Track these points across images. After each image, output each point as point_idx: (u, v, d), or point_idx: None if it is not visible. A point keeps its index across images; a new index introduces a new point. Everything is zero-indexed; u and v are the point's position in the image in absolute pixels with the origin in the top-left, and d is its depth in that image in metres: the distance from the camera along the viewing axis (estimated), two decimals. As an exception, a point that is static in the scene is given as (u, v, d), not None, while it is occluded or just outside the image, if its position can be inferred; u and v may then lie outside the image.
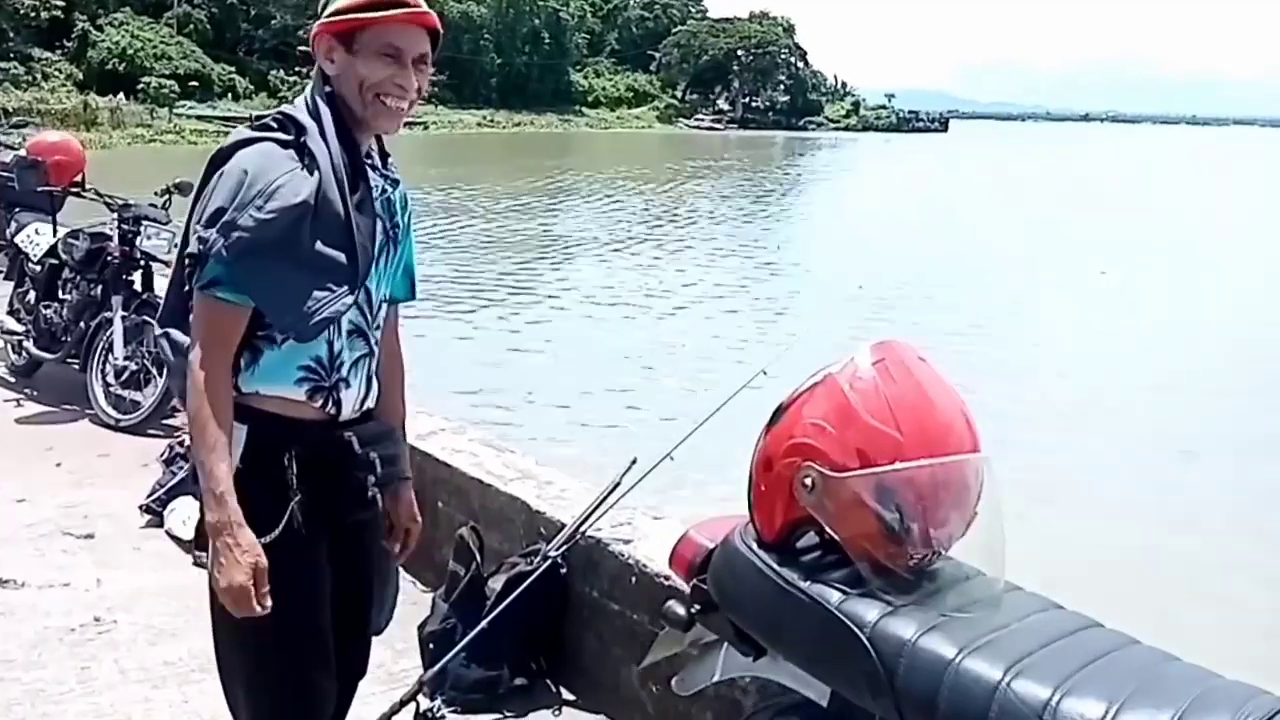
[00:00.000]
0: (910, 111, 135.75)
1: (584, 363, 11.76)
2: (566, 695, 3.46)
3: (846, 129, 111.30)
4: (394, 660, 3.52)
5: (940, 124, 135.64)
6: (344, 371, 2.13)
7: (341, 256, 2.03)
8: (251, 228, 1.93)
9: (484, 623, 3.17)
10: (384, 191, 2.18)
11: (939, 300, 15.59)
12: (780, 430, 1.89)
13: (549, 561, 3.34)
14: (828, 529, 1.82)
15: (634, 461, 3.37)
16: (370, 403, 2.25)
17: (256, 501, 1.99)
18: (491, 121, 77.37)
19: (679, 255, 20.79)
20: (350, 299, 2.05)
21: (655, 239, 22.99)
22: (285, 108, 2.10)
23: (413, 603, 3.97)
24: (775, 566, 1.85)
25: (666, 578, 3.10)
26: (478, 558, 3.47)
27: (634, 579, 3.24)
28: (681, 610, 2.06)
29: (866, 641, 1.68)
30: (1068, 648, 1.65)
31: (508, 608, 3.22)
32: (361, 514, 2.29)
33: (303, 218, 1.96)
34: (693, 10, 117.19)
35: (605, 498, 3.37)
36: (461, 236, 21.42)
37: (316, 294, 2.00)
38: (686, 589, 2.13)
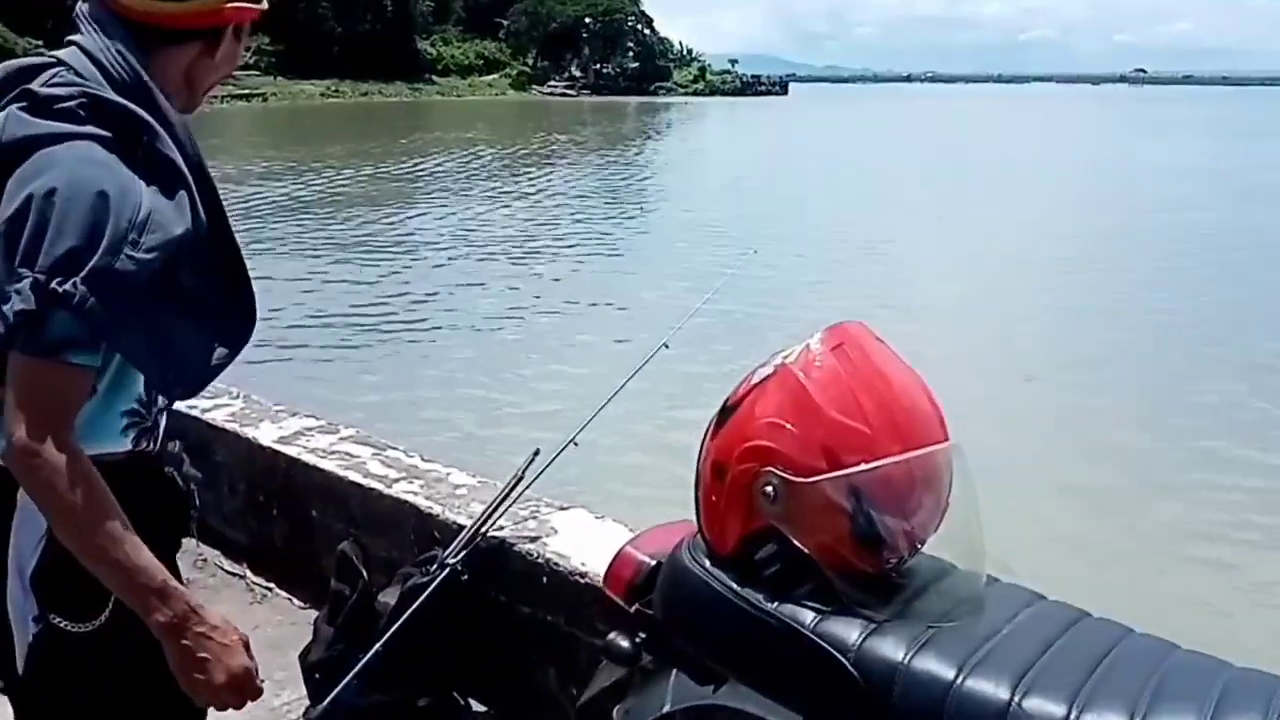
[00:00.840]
0: (753, 76, 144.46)
1: (452, 352, 11.34)
2: (479, 708, 3.20)
3: (695, 94, 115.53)
4: (273, 693, 3.18)
5: (781, 88, 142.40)
6: (159, 401, 1.74)
7: (238, 293, 1.70)
8: (131, 272, 1.50)
9: (378, 645, 2.86)
10: None
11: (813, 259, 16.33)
12: (731, 432, 1.66)
13: (448, 569, 3.01)
14: (793, 539, 1.60)
15: (536, 453, 3.11)
16: None
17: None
18: (336, 91, 75.80)
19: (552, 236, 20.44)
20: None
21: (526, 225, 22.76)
22: (85, 85, 1.59)
23: (291, 623, 3.65)
24: (735, 586, 1.63)
25: (582, 574, 2.89)
26: (364, 573, 3.15)
27: (545, 578, 3.00)
28: (625, 643, 1.82)
29: (851, 667, 1.49)
30: (1068, 650, 1.50)
31: (405, 624, 2.90)
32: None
33: (183, 252, 1.57)
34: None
35: (507, 494, 3.10)
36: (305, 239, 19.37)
37: (219, 349, 1.66)
38: (624, 605, 1.89)
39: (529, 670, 3.10)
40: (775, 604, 1.57)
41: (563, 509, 3.28)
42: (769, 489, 1.58)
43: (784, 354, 1.68)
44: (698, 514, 1.73)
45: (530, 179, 29.34)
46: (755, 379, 1.68)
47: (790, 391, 1.61)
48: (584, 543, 3.04)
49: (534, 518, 3.19)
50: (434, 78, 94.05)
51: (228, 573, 3.99)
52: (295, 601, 3.81)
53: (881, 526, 1.57)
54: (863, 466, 1.54)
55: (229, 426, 4.06)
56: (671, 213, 23.60)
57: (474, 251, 17.15)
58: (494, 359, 10.76)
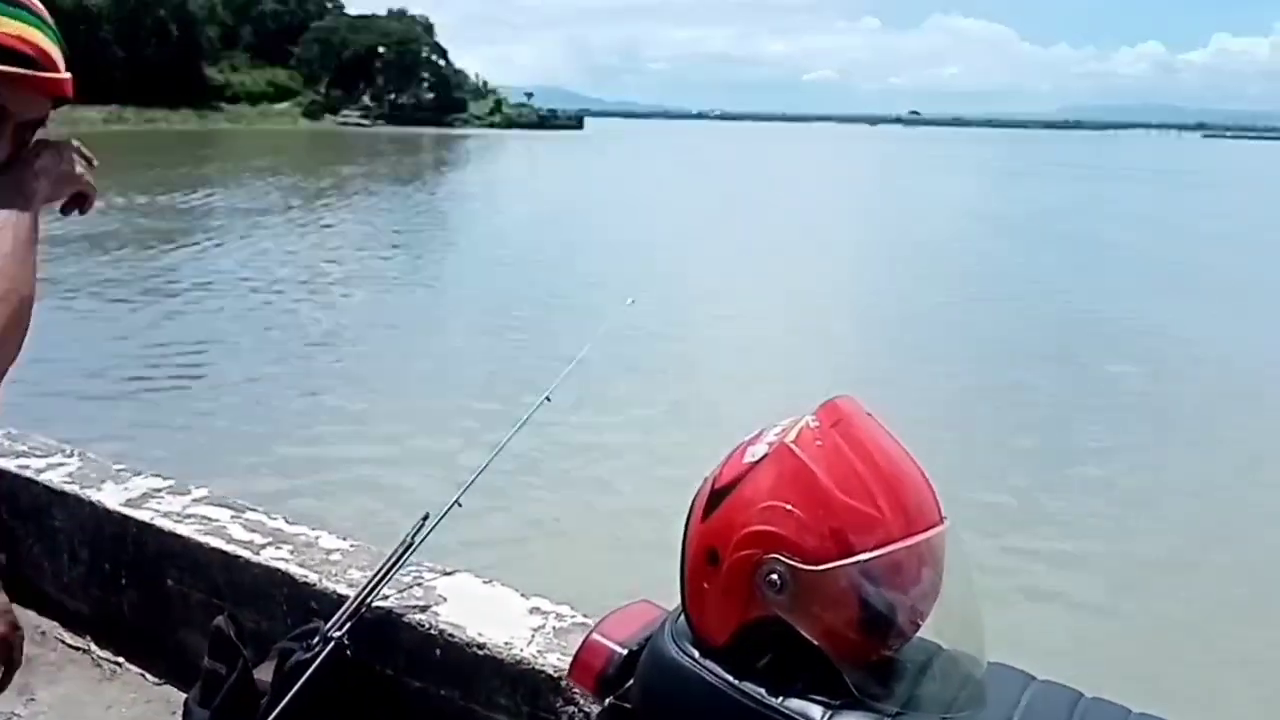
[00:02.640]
0: (549, 110, 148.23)
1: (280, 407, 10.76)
2: None
3: (492, 126, 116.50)
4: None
5: (577, 122, 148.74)
6: None
7: None
8: None
9: None
10: None
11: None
12: (726, 517, 1.57)
13: (331, 643, 2.80)
14: (799, 629, 1.52)
15: (425, 517, 2.93)
16: None
17: None
18: (120, 118, 72.61)
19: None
20: None
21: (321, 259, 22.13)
22: None
23: (146, 700, 3.38)
24: (732, 679, 1.54)
25: (480, 646, 2.74)
26: (243, 651, 2.90)
27: (439, 650, 2.82)
28: None
29: None
30: None
31: (288, 706, 2.68)
32: None
33: None
34: (329, 5, 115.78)
35: (396, 561, 2.92)
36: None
37: None
38: (595, 698, 1.80)
39: None
40: (780, 699, 1.49)
41: (447, 574, 3.11)
42: (774, 577, 1.50)
43: (777, 431, 1.60)
44: (684, 601, 1.64)
45: (330, 212, 28.72)
46: (747, 458, 1.59)
47: (792, 472, 1.54)
48: (477, 611, 2.89)
49: (419, 584, 3.02)
50: (223, 105, 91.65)
51: (70, 646, 3.65)
52: (149, 677, 3.51)
53: (891, 611, 1.52)
54: (878, 552, 1.48)
55: (68, 489, 3.73)
56: (478, 248, 23.56)
57: (259, 291, 16.61)
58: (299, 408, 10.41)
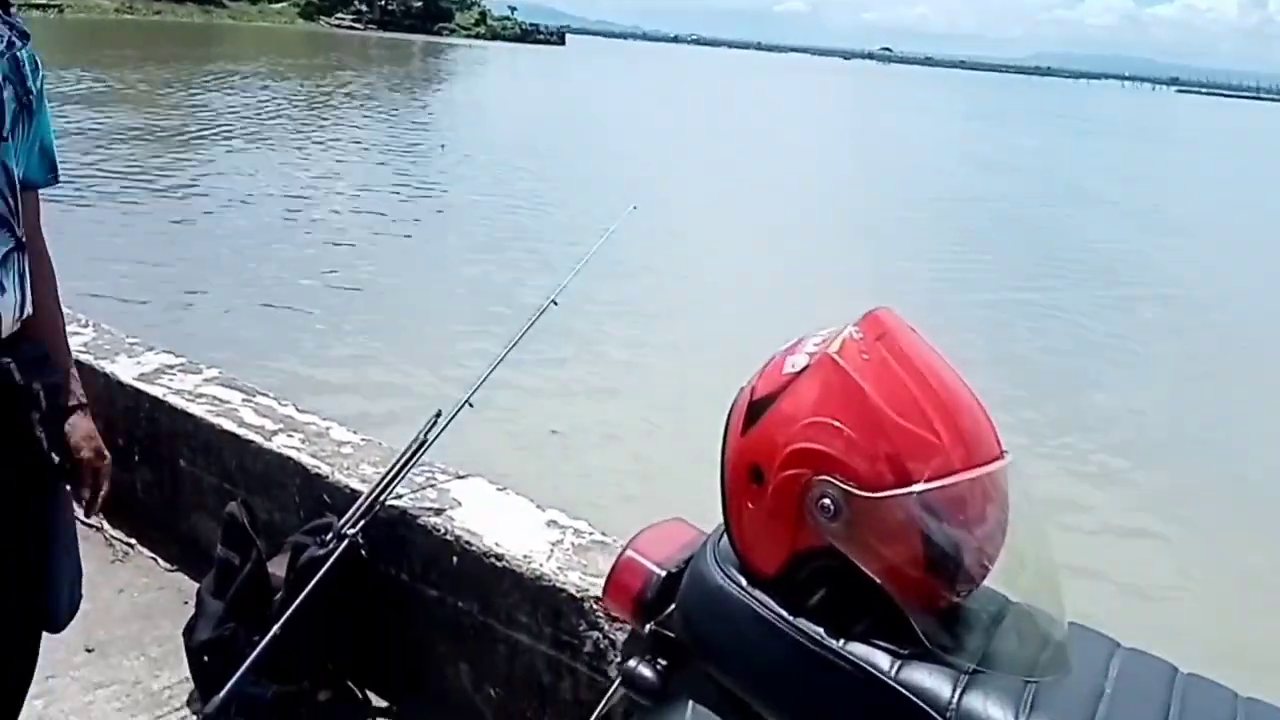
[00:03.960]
0: (532, 24, 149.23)
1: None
2: (379, 703, 2.91)
3: (478, 37, 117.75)
4: (150, 673, 2.91)
5: (559, 38, 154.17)
6: None
7: None
8: None
9: (276, 628, 2.58)
10: (10, 46, 1.79)
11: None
12: (767, 431, 1.42)
13: (345, 541, 2.75)
14: (859, 563, 1.36)
15: (438, 414, 2.87)
16: (29, 309, 1.85)
17: None
18: (131, 9, 73.77)
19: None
20: None
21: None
22: None
23: (159, 587, 3.37)
24: (787, 616, 1.39)
25: (498, 557, 2.65)
26: (257, 542, 2.83)
27: (455, 558, 2.75)
28: (650, 673, 1.55)
29: None
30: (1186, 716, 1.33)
31: (303, 603, 2.63)
32: (21, 464, 1.83)
33: None
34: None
35: (409, 459, 2.84)
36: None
37: None
38: (634, 624, 1.63)
39: (438, 663, 2.85)
40: (840, 641, 1.34)
41: (460, 477, 3.02)
42: (825, 501, 1.35)
43: (817, 341, 1.44)
44: (726, 523, 1.49)
45: (332, 115, 28.46)
46: (786, 369, 1.43)
47: (839, 387, 1.38)
48: (492, 519, 2.81)
49: (432, 486, 2.94)
50: (225, 2, 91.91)
51: (82, 522, 3.65)
52: (161, 562, 3.47)
53: (958, 550, 1.36)
54: (941, 483, 1.32)
55: (83, 358, 3.64)
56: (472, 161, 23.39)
57: (288, 199, 16.21)
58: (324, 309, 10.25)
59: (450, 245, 13.92)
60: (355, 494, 2.93)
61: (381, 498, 2.85)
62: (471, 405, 2.89)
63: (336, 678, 2.89)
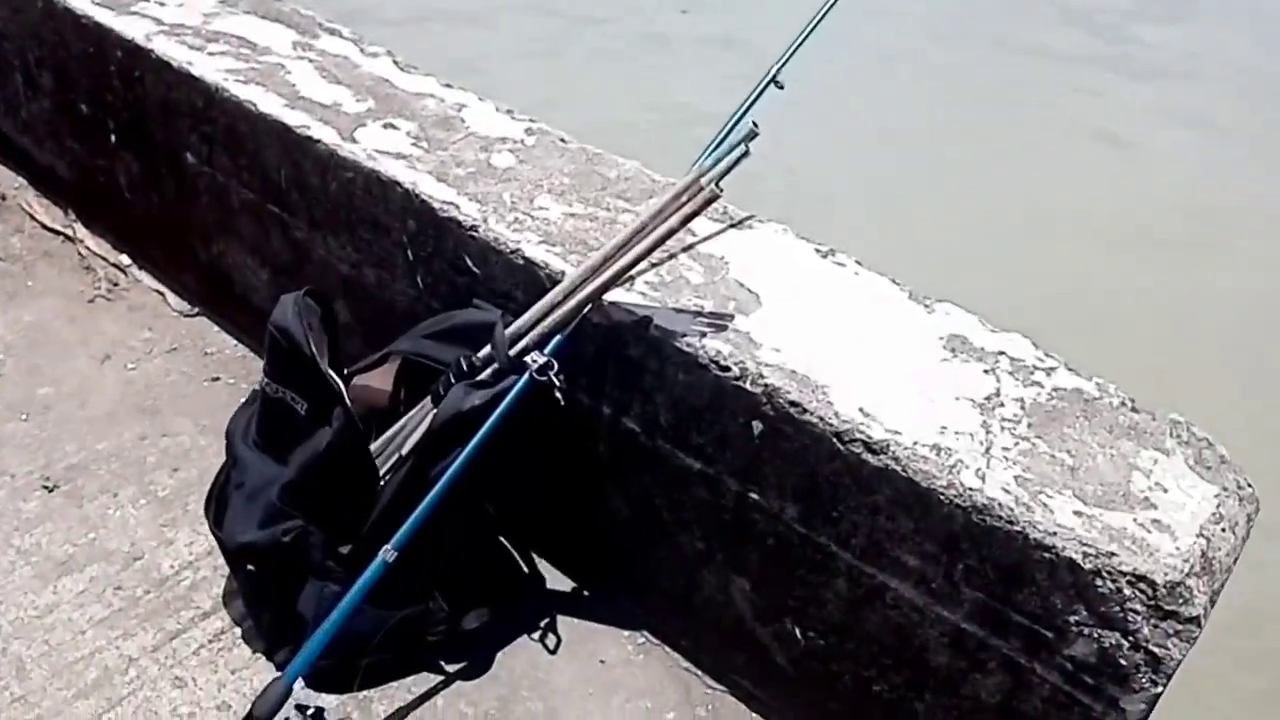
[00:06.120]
0: None
1: None
2: (562, 585, 1.70)
3: None
4: (152, 538, 1.64)
5: None
6: None
7: None
8: None
9: (421, 515, 1.36)
10: None
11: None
12: None
13: (534, 369, 1.41)
14: None
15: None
16: None
17: None
18: None
19: None
20: None
21: None
22: None
23: (170, 349, 2.02)
24: None
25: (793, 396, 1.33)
26: (338, 386, 1.46)
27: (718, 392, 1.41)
28: None
29: None
30: None
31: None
32: None
33: None
34: None
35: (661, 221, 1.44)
36: None
37: None
38: None
39: (680, 551, 1.57)
40: None
41: (743, 225, 1.66)
42: None
43: None
44: None
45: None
46: None
47: None
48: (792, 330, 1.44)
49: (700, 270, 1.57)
50: None
51: (49, 229, 2.24)
52: (170, 299, 2.15)
53: None
54: None
55: None
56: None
57: None
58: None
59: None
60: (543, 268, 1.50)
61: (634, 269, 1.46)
62: (781, 86, 1.74)
63: (495, 577, 1.68)
